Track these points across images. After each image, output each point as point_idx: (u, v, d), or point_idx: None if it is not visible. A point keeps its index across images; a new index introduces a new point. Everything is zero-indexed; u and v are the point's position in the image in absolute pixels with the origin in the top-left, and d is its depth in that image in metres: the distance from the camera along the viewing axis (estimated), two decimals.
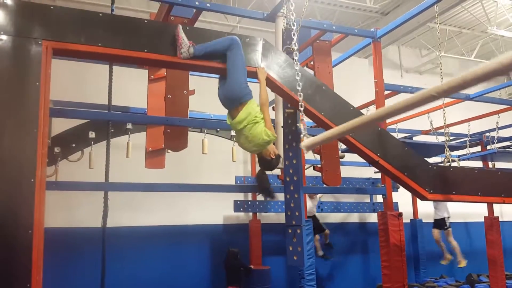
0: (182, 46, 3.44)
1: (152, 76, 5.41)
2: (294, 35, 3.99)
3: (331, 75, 6.13)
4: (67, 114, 5.13)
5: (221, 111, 7.45)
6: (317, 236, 8.77)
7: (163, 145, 5.10)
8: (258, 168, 9.27)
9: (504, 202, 4.61)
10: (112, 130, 5.52)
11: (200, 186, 6.59)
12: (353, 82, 9.67)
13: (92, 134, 5.63)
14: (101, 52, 3.32)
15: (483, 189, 4.40)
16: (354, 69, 10.15)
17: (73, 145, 5.70)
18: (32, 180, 2.92)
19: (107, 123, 5.42)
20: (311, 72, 6.08)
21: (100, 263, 5.30)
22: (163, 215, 8.52)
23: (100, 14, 3.38)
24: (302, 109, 3.75)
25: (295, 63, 3.87)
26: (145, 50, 3.41)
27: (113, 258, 6.16)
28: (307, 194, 8.22)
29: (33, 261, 2.85)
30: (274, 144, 3.80)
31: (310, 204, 8.32)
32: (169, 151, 5.29)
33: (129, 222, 8.15)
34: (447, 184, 4.28)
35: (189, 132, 5.44)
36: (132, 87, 7.17)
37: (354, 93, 7.50)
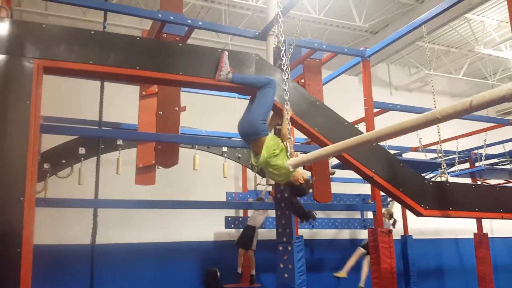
0: (222, 70, 3.66)
1: (144, 93, 5.43)
2: (283, 55, 4.03)
3: (321, 92, 6.19)
4: (57, 130, 5.11)
5: (212, 127, 7.56)
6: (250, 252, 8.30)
7: (154, 162, 5.09)
8: (250, 184, 9.29)
9: (502, 218, 4.57)
10: (103, 146, 5.51)
11: (190, 203, 6.57)
12: (344, 100, 9.75)
13: (82, 150, 5.60)
14: (93, 70, 3.33)
15: (481, 204, 4.36)
16: (345, 87, 10.26)
17: (63, 161, 5.67)
18: (22, 198, 2.90)
19: (98, 139, 5.41)
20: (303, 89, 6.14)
21: (89, 280, 5.23)
22: (153, 232, 8.45)
23: (92, 32, 3.41)
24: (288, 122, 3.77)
25: (286, 78, 3.91)
26: (137, 68, 3.43)
27: (102, 275, 6.08)
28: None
29: (21, 279, 2.82)
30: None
31: (260, 218, 8.22)
32: (159, 167, 5.28)
33: (119, 239, 8.07)
34: (443, 199, 4.23)
35: (180, 148, 5.44)
36: (123, 103, 7.18)
37: (344, 110, 7.51)
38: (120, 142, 5.71)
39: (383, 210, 8.53)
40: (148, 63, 3.46)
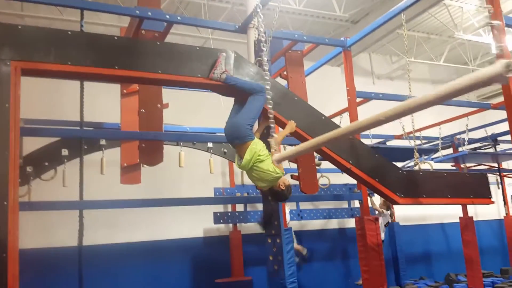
0: (217, 68, 3.73)
1: (125, 91, 5.39)
2: (263, 46, 4.04)
3: (304, 84, 6.19)
4: (39, 132, 5.06)
5: (197, 124, 7.53)
6: None
7: (138, 160, 5.06)
8: (237, 179, 9.28)
9: (473, 203, 4.77)
10: (86, 147, 5.46)
11: (178, 200, 6.56)
12: (327, 90, 9.81)
13: (65, 152, 5.55)
14: (71, 70, 3.29)
15: (452, 191, 4.53)
16: (328, 78, 10.29)
17: (46, 164, 5.61)
18: (5, 203, 2.87)
19: (80, 140, 5.35)
20: (285, 82, 6.14)
21: (78, 283, 5.19)
22: (141, 231, 8.40)
23: (69, 32, 3.36)
24: (272, 117, 3.78)
25: (265, 73, 3.91)
26: (116, 67, 3.39)
27: (91, 277, 6.03)
28: None
29: (8, 285, 2.79)
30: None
31: None
32: (144, 166, 5.25)
33: (107, 239, 8.01)
34: (417, 188, 4.38)
35: (165, 146, 5.41)
36: (105, 102, 7.10)
37: (328, 101, 7.63)
38: (103, 142, 5.66)
39: (381, 201, 8.63)
40: (126, 63, 3.43)
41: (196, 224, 8.85)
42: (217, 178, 9.33)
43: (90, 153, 5.83)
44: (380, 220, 8.63)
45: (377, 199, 8.57)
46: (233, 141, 3.78)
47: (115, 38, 3.57)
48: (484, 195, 4.81)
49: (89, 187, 5.44)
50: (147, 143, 4.97)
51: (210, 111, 8.79)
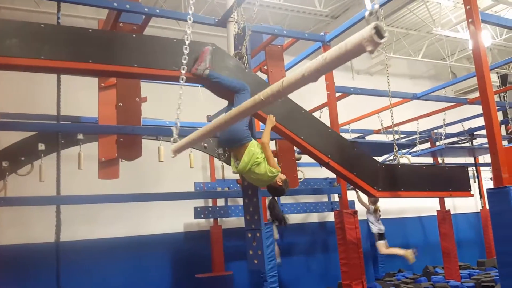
0: (201, 64, 3.72)
1: (103, 84, 5.31)
2: (243, 40, 4.03)
3: None
4: (14, 126, 4.95)
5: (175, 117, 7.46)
6: None
7: (116, 155, 5.00)
8: (218, 173, 9.25)
9: (451, 196, 4.85)
10: (63, 141, 5.36)
11: (157, 195, 6.50)
12: (308, 85, 9.82)
13: (41, 146, 5.45)
14: (44, 65, 3.22)
15: (431, 184, 4.59)
16: None
17: (22, 158, 5.49)
18: None
19: (57, 134, 5.26)
20: (265, 76, 6.15)
21: (55, 279, 5.12)
22: (121, 227, 8.32)
23: (42, 25, 3.28)
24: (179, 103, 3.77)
25: (245, 66, 3.90)
26: (90, 61, 3.33)
27: (69, 273, 5.96)
28: None
29: None
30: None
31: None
32: (123, 160, 5.19)
33: (85, 235, 7.90)
34: (395, 181, 4.43)
35: (144, 140, 5.36)
36: (82, 96, 6.99)
37: (309, 95, 7.63)
38: (80, 136, 5.57)
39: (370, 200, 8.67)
40: (101, 56, 3.37)
41: (177, 219, 8.80)
42: (198, 173, 9.29)
43: (68, 148, 5.75)
44: (371, 217, 8.68)
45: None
46: (231, 145, 3.79)
47: (90, 31, 3.50)
48: (463, 188, 4.89)
49: (66, 182, 5.36)
50: (125, 137, 4.91)
51: (190, 105, 8.75)
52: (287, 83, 1.77)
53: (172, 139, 3.48)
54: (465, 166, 5.64)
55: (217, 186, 8.83)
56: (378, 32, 1.32)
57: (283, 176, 3.87)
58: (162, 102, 8.41)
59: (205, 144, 7.65)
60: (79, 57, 3.32)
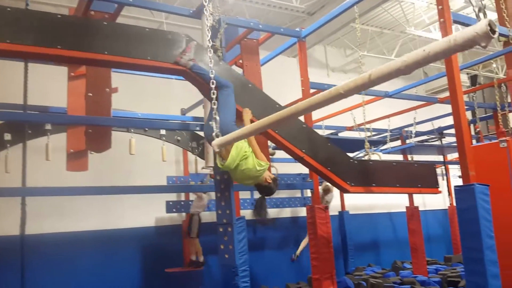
0: (185, 55, 3.70)
1: (72, 74, 5.16)
2: (219, 32, 3.98)
3: (259, 73, 6.18)
4: None
5: (148, 110, 7.36)
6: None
7: (85, 147, 4.87)
8: (191, 167, 9.16)
9: (420, 192, 4.95)
10: (30, 132, 5.20)
11: (128, 188, 6.38)
12: (283, 81, 9.85)
13: (7, 136, 5.30)
14: (10, 49, 3.10)
15: (401, 180, 4.67)
16: (284, 68, 10.34)
17: None
18: None
19: (23, 124, 5.09)
20: (240, 70, 6.10)
21: (20, 273, 4.97)
22: (90, 220, 8.15)
23: (9, 9, 3.15)
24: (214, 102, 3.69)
25: (220, 58, 3.85)
26: (58, 47, 3.22)
27: (34, 267, 5.82)
28: (195, 194, 8.18)
29: None
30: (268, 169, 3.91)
31: (195, 204, 8.22)
32: (92, 152, 5.07)
33: (53, 228, 7.71)
34: (367, 177, 4.49)
35: (115, 133, 5.24)
36: (51, 85, 6.79)
37: (284, 91, 7.65)
38: (48, 126, 5.41)
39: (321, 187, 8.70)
40: (70, 42, 3.26)
41: (148, 213, 8.69)
42: (170, 167, 9.19)
43: (35, 138, 5.59)
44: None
45: None
46: None
47: (59, 16, 3.38)
48: (432, 185, 4.99)
49: (33, 174, 5.21)
50: (94, 128, 4.79)
51: (164, 98, 8.64)
52: (375, 77, 1.74)
53: (213, 133, 3.31)
54: (433, 164, 5.76)
55: (190, 180, 8.76)
56: (491, 28, 1.40)
57: (272, 175, 3.85)
58: (133, 93, 8.31)
59: (178, 138, 7.56)
60: (47, 42, 3.20)
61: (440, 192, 5.33)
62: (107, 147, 4.90)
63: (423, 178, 4.89)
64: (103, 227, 8.24)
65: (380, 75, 1.82)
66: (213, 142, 3.19)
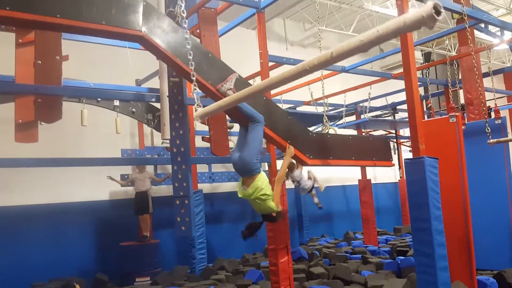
0: (226, 83, 3.91)
1: (20, 40, 4.86)
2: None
3: (217, 44, 6.09)
4: None
5: (102, 80, 7.09)
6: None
7: (34, 117, 4.65)
8: (147, 140, 8.96)
9: (375, 165, 5.11)
10: None
11: (79, 160, 6.19)
12: (242, 53, 9.75)
13: None
14: None
15: (357, 153, 4.80)
16: (243, 40, 10.23)
17: None
18: None
19: None
20: (197, 40, 5.97)
21: None
22: (41, 193, 7.87)
23: None
24: (194, 78, 3.61)
25: (185, 31, 3.70)
26: (7, 8, 2.99)
27: None
28: (136, 167, 8.09)
29: None
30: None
31: (148, 182, 8.09)
32: (42, 123, 4.86)
33: (1, 202, 7.40)
34: (325, 150, 4.58)
35: (66, 103, 5.03)
36: None
37: (242, 63, 7.56)
38: None
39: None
40: (19, 3, 3.04)
41: (102, 187, 8.48)
42: (125, 139, 8.98)
43: None
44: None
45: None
46: (243, 174, 4.06)
47: None
48: (386, 158, 5.16)
49: None
50: (44, 98, 4.58)
51: (118, 68, 8.33)
52: (337, 54, 1.90)
53: (195, 104, 3.41)
54: (387, 138, 5.94)
55: (146, 154, 8.61)
56: (437, 10, 1.50)
57: (280, 208, 4.18)
58: (85, 62, 7.96)
59: (133, 109, 7.38)
60: None
61: (393, 165, 5.51)
62: (58, 118, 4.70)
63: (378, 152, 5.04)
64: (53, 200, 7.98)
65: (341, 52, 1.92)
66: (195, 114, 3.28)
